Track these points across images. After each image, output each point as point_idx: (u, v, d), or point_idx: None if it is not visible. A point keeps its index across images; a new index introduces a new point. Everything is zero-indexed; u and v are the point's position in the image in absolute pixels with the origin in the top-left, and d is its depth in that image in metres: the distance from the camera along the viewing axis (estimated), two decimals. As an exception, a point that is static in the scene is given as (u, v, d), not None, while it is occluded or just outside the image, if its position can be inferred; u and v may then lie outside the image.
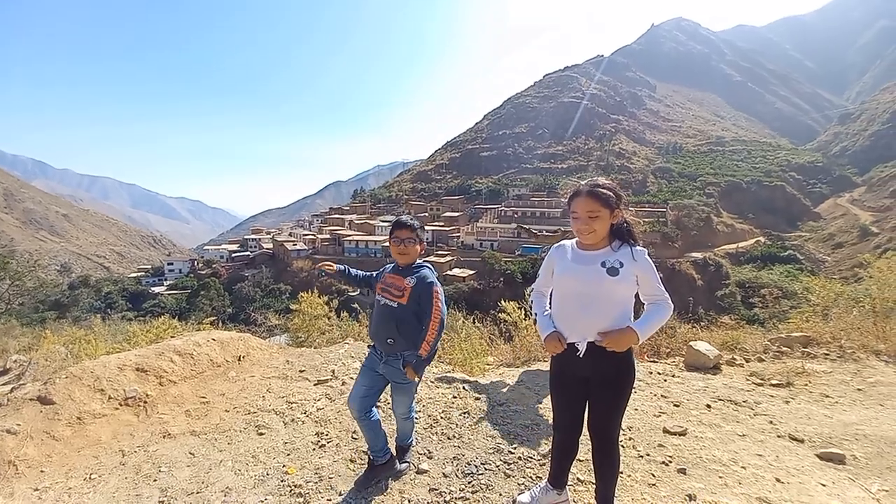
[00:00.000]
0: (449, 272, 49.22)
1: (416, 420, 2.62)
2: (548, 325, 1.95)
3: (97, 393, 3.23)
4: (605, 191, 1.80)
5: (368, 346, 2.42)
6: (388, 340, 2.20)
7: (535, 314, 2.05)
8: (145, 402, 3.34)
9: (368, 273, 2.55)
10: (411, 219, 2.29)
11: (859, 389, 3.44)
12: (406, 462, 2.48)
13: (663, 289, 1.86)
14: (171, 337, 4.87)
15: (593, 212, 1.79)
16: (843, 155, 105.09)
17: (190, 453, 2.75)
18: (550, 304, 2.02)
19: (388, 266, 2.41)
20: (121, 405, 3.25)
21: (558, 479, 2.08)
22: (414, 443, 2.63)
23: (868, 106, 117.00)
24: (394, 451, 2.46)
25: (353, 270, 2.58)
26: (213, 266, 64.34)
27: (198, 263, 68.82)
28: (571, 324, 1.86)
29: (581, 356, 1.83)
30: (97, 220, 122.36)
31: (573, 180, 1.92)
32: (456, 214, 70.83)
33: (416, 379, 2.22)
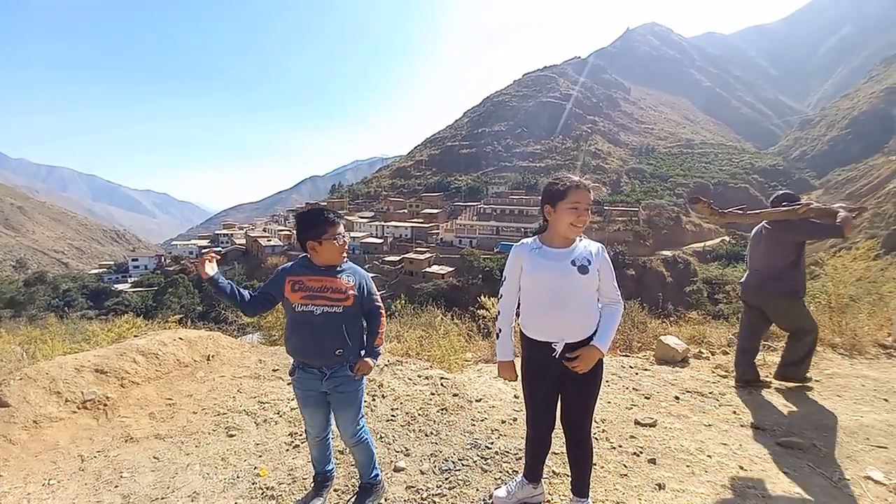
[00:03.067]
0: (428, 269, 49.16)
1: (372, 442, 2.19)
2: (507, 352, 1.98)
3: (53, 395, 3.05)
4: (593, 186, 1.90)
5: (300, 367, 2.00)
6: (338, 352, 1.95)
7: (500, 330, 1.98)
8: (105, 405, 3.17)
9: (255, 293, 2.00)
10: (333, 211, 2.03)
11: (817, 381, 3.62)
12: None
13: (617, 288, 1.95)
14: (135, 336, 4.64)
15: (589, 205, 1.86)
16: (802, 159, 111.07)
17: (154, 457, 2.63)
18: (520, 306, 1.97)
19: (282, 269, 2.01)
20: (79, 408, 3.07)
21: (534, 473, 2.10)
22: (381, 478, 2.22)
23: (827, 112, 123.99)
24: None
25: (236, 288, 1.95)
26: (182, 262, 62.00)
27: (165, 259, 66.25)
28: (548, 324, 1.86)
29: (557, 356, 1.84)
30: (55, 213, 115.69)
31: (567, 175, 1.93)
32: (435, 211, 70.79)
33: (367, 373, 2.05)
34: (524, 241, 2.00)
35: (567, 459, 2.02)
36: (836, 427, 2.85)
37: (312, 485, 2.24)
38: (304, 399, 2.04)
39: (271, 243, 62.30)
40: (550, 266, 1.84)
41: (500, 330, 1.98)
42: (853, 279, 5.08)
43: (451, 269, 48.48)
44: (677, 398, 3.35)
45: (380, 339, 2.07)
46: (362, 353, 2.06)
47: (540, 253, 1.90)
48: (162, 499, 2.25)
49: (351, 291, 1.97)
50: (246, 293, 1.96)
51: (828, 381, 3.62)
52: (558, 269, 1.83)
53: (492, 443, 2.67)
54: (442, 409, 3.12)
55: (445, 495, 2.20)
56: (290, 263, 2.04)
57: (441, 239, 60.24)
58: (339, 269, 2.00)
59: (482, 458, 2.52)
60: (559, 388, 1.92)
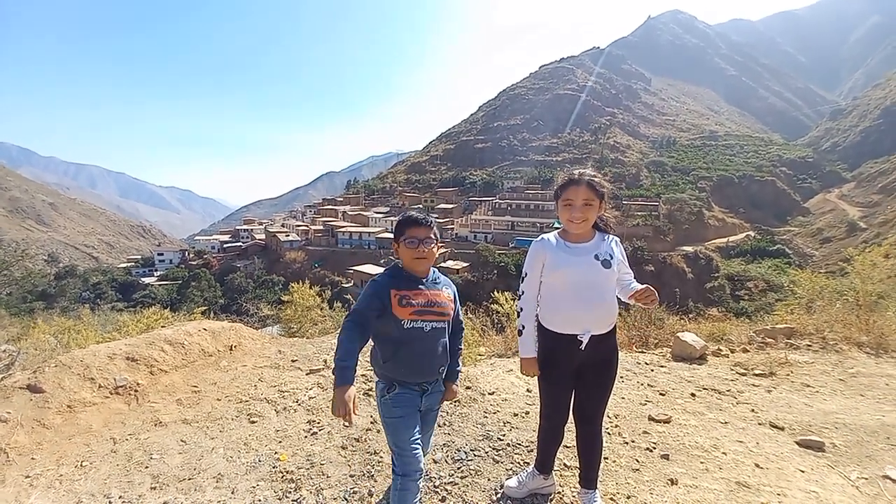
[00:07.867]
0: (443, 264, 49.28)
1: None
2: (530, 349, 1.93)
3: (87, 381, 3.22)
4: (599, 181, 1.85)
5: (401, 385, 1.81)
6: (441, 369, 1.88)
7: (523, 326, 1.95)
8: (136, 391, 3.34)
9: (360, 339, 1.69)
10: (423, 214, 1.89)
11: (840, 380, 3.54)
12: None
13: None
14: (162, 327, 4.85)
15: (588, 200, 1.82)
16: (833, 150, 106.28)
17: (181, 441, 2.76)
18: (540, 300, 1.96)
19: (380, 282, 1.79)
20: (111, 394, 3.24)
21: (545, 465, 2.13)
22: None
23: (859, 102, 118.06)
24: None
25: (353, 361, 1.64)
26: (205, 257, 63.79)
27: (189, 254, 68.15)
28: (574, 317, 1.86)
29: (583, 348, 1.86)
30: (85, 210, 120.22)
31: (573, 170, 1.93)
32: (450, 206, 70.71)
33: (452, 399, 1.98)
34: (545, 236, 1.97)
35: (577, 452, 2.05)
36: (856, 426, 2.79)
37: None
38: (405, 418, 1.79)
39: (289, 238, 63.31)
40: (574, 261, 1.85)
41: (522, 327, 1.95)
42: (883, 276, 4.89)
43: (465, 264, 48.45)
44: (693, 395, 3.32)
45: (460, 356, 2.00)
46: (441, 370, 1.91)
47: (562, 248, 1.89)
48: (189, 479, 2.37)
49: (451, 306, 1.90)
50: (357, 345, 1.67)
51: (851, 380, 3.53)
52: (582, 265, 1.84)
53: (503, 435, 2.71)
54: (455, 401, 3.17)
55: (457, 484, 2.25)
56: (382, 275, 1.84)
57: (456, 234, 60.16)
58: (436, 280, 1.90)
59: (494, 449, 2.56)
60: (575, 380, 1.94)
